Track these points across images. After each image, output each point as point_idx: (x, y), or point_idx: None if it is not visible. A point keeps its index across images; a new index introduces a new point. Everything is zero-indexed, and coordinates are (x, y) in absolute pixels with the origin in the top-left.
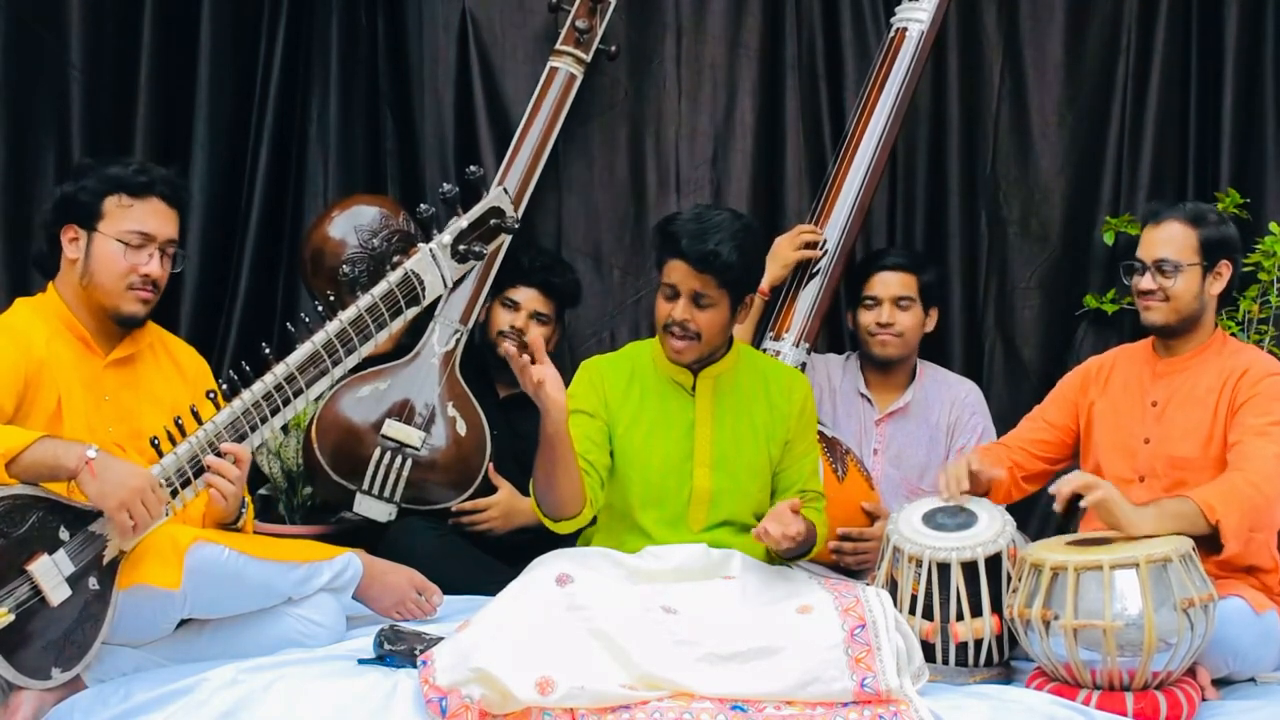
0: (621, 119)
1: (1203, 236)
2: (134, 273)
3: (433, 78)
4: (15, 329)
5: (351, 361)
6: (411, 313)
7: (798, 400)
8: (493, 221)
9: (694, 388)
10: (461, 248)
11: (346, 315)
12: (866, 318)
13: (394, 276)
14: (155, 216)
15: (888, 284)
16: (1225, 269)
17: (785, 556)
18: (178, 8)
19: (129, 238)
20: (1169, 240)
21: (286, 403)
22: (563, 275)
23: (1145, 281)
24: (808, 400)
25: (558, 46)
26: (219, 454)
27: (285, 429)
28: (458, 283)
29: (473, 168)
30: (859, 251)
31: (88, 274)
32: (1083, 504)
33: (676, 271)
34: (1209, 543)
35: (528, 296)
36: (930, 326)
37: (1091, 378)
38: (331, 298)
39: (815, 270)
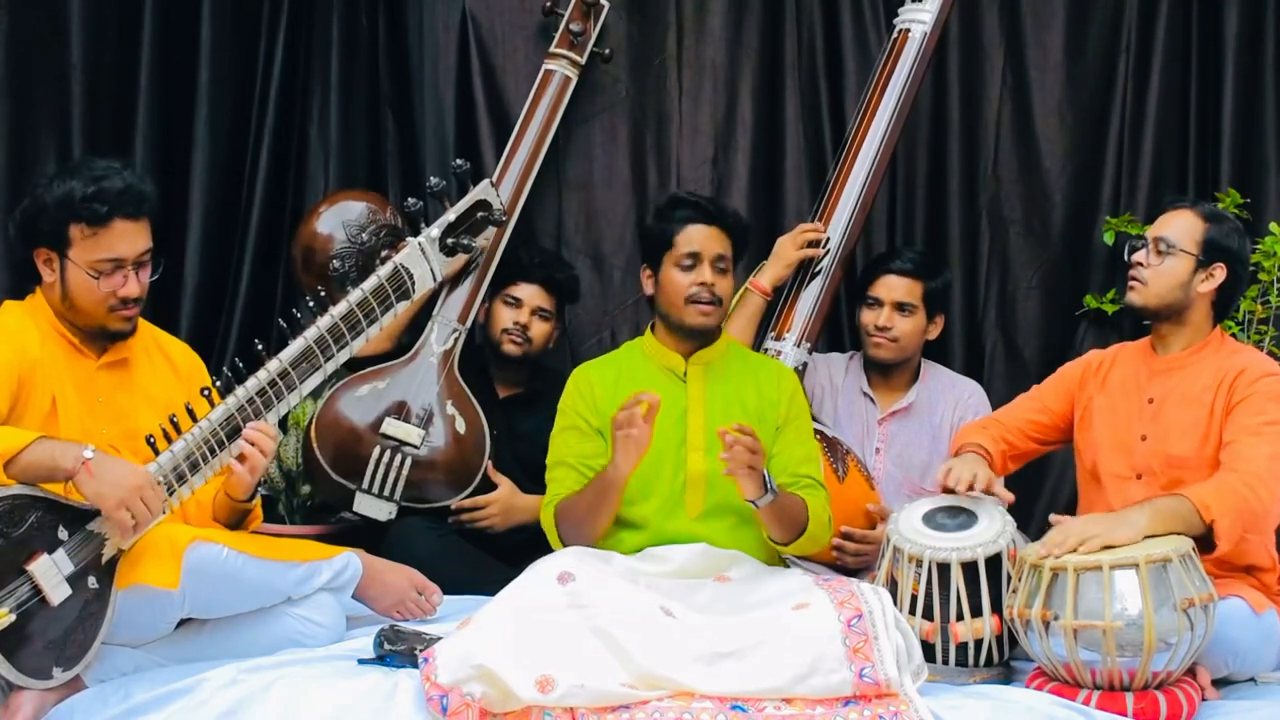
0: (622, 118)
1: (1208, 233)
2: (113, 297)
3: (433, 78)
4: (9, 329)
5: (344, 356)
6: (402, 307)
7: (787, 389)
8: (480, 214)
9: (685, 374)
10: (450, 241)
11: (337, 310)
12: (867, 317)
13: (383, 271)
14: (122, 239)
15: (891, 288)
16: (1219, 271)
17: (777, 541)
18: (178, 8)
19: (100, 267)
20: (1175, 223)
21: (280, 398)
22: (563, 271)
23: (1139, 254)
24: (797, 392)
25: (552, 49)
26: (216, 449)
27: (285, 428)
28: (457, 282)
29: (459, 161)
30: (860, 252)
31: (68, 298)
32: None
33: (697, 238)
34: (1201, 542)
35: (530, 292)
36: (934, 334)
37: (1091, 372)
38: (322, 293)
39: (817, 270)
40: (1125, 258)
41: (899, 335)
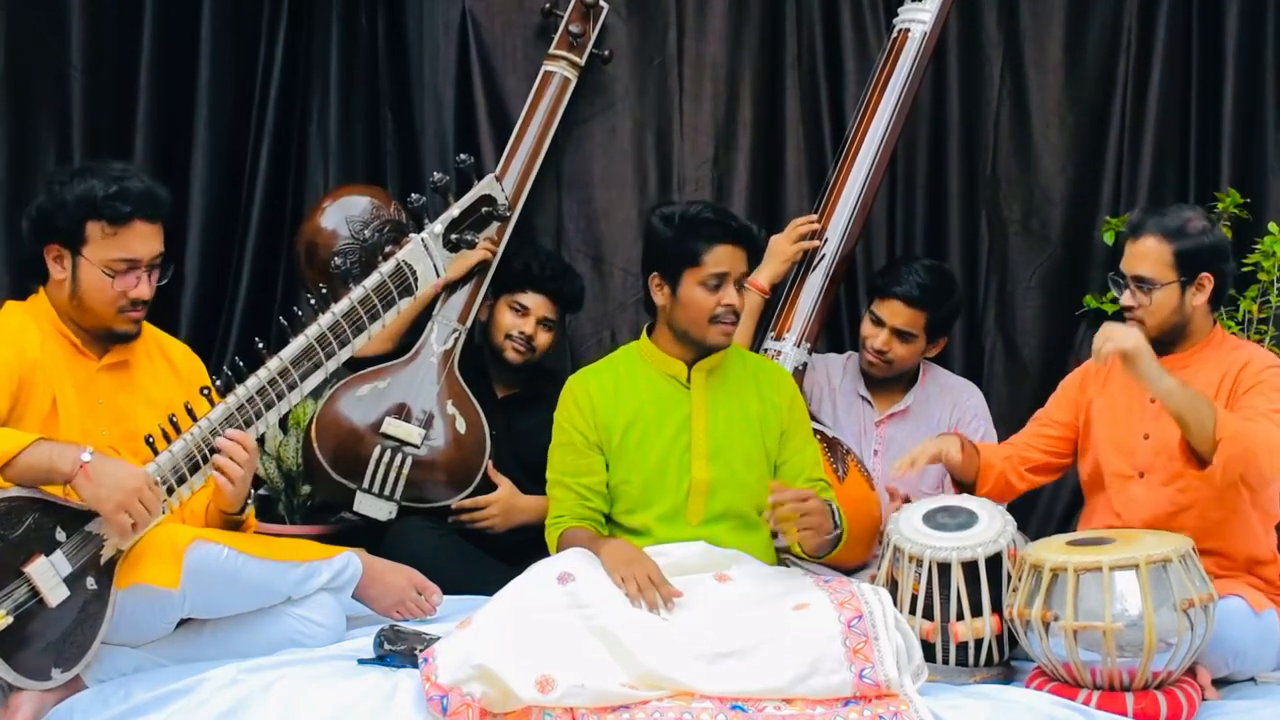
0: (623, 118)
1: (1179, 250)
2: (124, 298)
3: (433, 78)
4: (10, 329)
5: (345, 354)
6: (405, 304)
7: (787, 393)
8: (484, 210)
9: (689, 379)
10: (454, 237)
11: (339, 308)
12: (867, 330)
13: (386, 267)
14: (139, 240)
15: (895, 313)
16: (1207, 281)
17: (819, 552)
18: (178, 8)
19: (116, 266)
20: (1144, 256)
21: (281, 397)
22: (571, 284)
23: (1125, 298)
24: (796, 395)
25: (552, 51)
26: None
27: (285, 428)
28: (460, 284)
29: (463, 156)
30: (860, 252)
31: (77, 296)
32: (1105, 355)
33: (725, 259)
34: (1197, 459)
35: (537, 303)
36: (933, 354)
37: (1091, 376)
38: (324, 290)
39: (816, 264)
40: (1115, 294)
41: (894, 359)
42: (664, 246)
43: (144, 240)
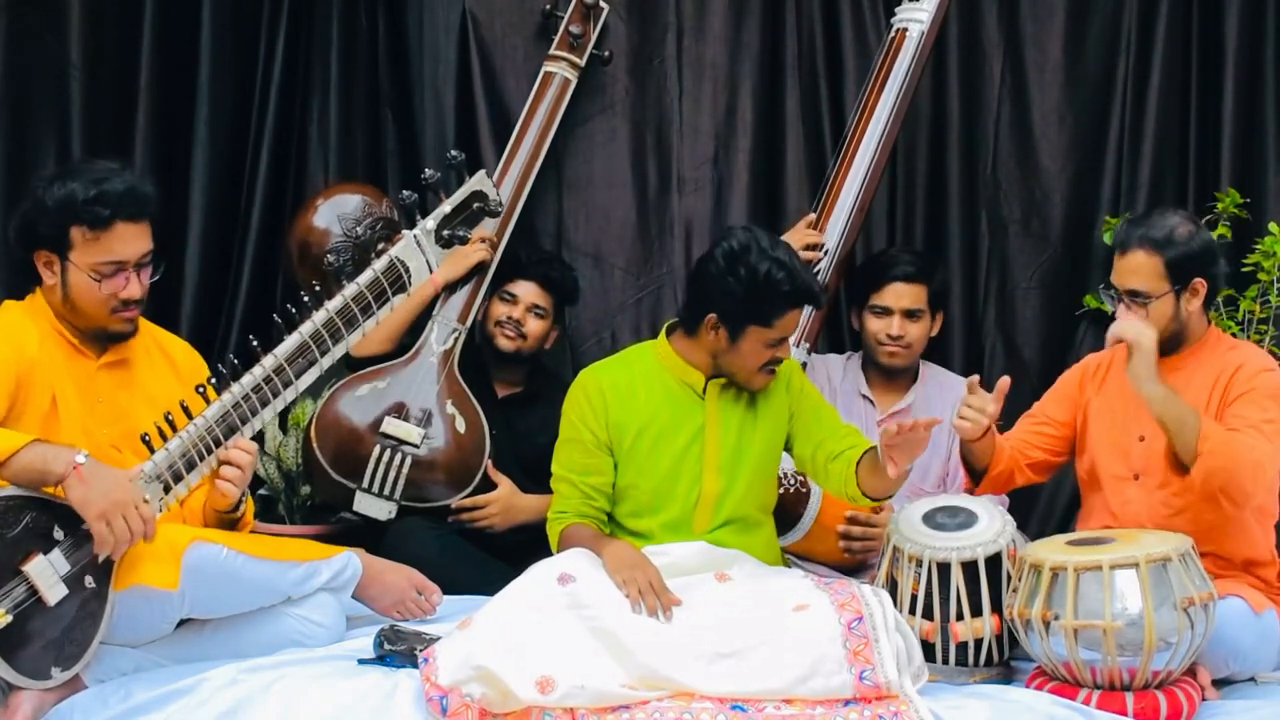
0: (622, 118)
1: (1169, 260)
2: (114, 299)
3: (433, 78)
4: (8, 328)
5: (340, 350)
6: (398, 300)
7: (787, 378)
8: (475, 205)
9: (704, 391)
10: (446, 233)
11: (333, 305)
12: (875, 325)
13: (379, 264)
14: (123, 242)
15: (900, 295)
16: (1200, 286)
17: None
18: (178, 8)
19: (102, 269)
20: (1135, 271)
21: (276, 394)
22: (561, 270)
23: (1120, 312)
24: (797, 372)
25: (552, 51)
26: (213, 446)
27: (284, 429)
28: (460, 284)
29: (454, 153)
30: (859, 251)
31: (69, 300)
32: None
33: (793, 322)
34: (1180, 465)
35: (526, 290)
36: (935, 331)
37: (1089, 376)
38: (318, 288)
39: (815, 272)
40: (1110, 312)
41: (911, 342)
42: (732, 297)
43: (128, 241)
